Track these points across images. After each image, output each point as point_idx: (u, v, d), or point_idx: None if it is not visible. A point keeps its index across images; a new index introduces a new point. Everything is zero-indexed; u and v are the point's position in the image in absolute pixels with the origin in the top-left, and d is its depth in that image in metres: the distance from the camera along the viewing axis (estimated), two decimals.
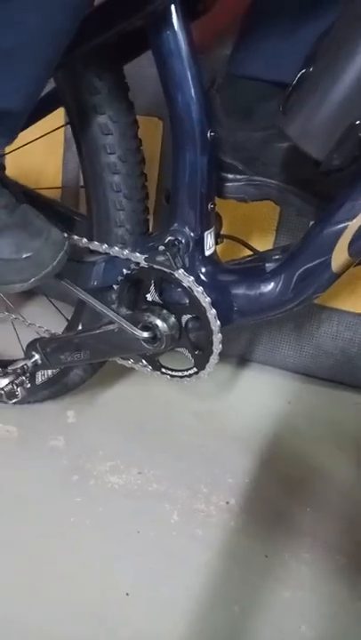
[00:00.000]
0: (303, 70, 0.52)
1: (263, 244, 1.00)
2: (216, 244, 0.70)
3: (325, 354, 1.09)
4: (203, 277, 0.65)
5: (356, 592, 0.79)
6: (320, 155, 0.54)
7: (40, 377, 0.87)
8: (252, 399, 1.11)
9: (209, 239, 0.66)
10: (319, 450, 1.01)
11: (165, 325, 0.65)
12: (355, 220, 0.55)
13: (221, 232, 0.71)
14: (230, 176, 0.68)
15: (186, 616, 0.73)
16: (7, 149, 0.64)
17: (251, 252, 0.71)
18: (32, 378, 0.82)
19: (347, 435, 1.05)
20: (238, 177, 0.67)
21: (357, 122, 0.51)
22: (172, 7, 0.57)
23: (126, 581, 0.76)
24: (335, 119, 0.52)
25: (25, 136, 0.85)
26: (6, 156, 0.94)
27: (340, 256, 0.58)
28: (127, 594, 0.75)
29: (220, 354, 0.96)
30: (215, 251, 0.68)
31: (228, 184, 0.68)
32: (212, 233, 0.66)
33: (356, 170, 0.55)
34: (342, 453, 1.01)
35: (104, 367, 0.94)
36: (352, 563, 0.82)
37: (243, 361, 1.19)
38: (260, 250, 0.70)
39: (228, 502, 0.90)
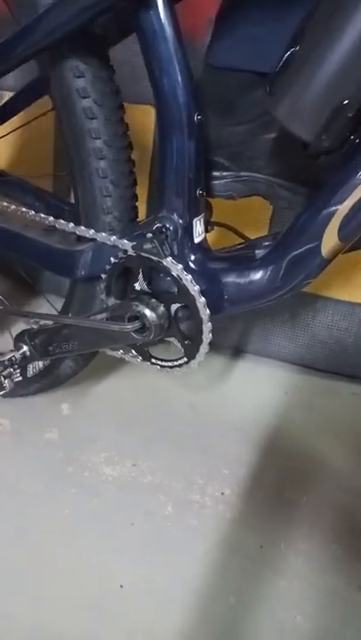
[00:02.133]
0: (290, 50, 0.51)
1: (257, 234, 0.99)
2: (206, 231, 0.68)
3: (321, 344, 1.08)
4: (192, 265, 0.64)
5: (352, 582, 0.78)
6: (309, 136, 0.52)
7: (31, 369, 0.86)
8: (248, 390, 1.10)
9: (198, 226, 0.64)
10: (316, 440, 1.00)
11: (154, 315, 0.63)
12: (344, 204, 0.54)
13: (212, 219, 0.70)
14: (216, 173, 0.66)
15: (182, 607, 0.73)
16: None
17: (242, 240, 0.69)
18: (23, 370, 0.81)
19: (344, 425, 1.04)
20: (224, 174, 0.66)
21: (345, 101, 0.49)
22: None
23: (122, 573, 0.76)
24: (323, 99, 0.50)
25: (13, 125, 0.84)
26: None
27: (329, 241, 0.56)
28: (121, 586, 0.75)
29: (215, 344, 0.95)
30: (205, 238, 0.67)
31: (215, 182, 0.67)
32: (202, 220, 0.65)
33: (345, 153, 0.54)
34: (339, 443, 1.00)
35: (98, 359, 0.93)
36: (348, 553, 0.82)
37: (238, 352, 1.18)
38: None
39: (223, 493, 0.89)
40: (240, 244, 0.69)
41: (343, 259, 0.64)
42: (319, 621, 0.73)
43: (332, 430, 1.02)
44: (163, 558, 0.79)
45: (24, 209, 0.68)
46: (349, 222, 0.55)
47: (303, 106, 0.51)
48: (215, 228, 0.71)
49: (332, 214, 0.55)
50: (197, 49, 0.98)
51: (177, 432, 0.99)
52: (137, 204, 0.70)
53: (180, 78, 0.58)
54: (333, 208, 0.55)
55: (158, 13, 0.56)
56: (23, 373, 0.82)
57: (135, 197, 0.69)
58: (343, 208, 0.54)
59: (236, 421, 1.02)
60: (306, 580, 0.78)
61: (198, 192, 0.63)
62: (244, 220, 1.01)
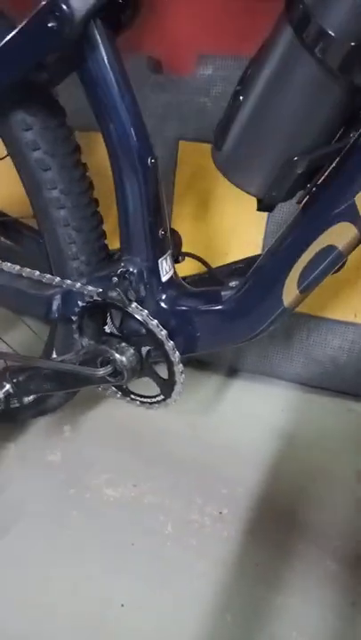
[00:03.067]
0: (234, 97, 0.49)
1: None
2: (176, 262, 0.68)
3: (315, 362, 1.08)
4: (161, 304, 0.64)
5: (347, 597, 0.78)
6: (259, 193, 0.51)
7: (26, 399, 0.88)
8: (245, 409, 1.10)
9: (165, 265, 0.64)
10: (312, 457, 1.00)
11: (124, 358, 0.64)
12: (302, 258, 0.52)
13: (182, 250, 0.70)
14: None
15: (181, 625, 0.75)
16: None
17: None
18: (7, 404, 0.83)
19: (341, 441, 1.03)
20: None
21: (295, 158, 0.47)
22: (93, 28, 0.53)
23: (123, 593, 0.78)
24: (271, 156, 0.48)
25: None
26: None
27: (290, 293, 0.55)
28: (122, 605, 0.77)
29: (211, 364, 0.95)
30: (174, 272, 0.67)
31: None
32: (168, 257, 0.65)
33: (303, 204, 0.52)
34: (336, 460, 0.99)
35: None
36: (343, 569, 0.82)
37: (234, 371, 1.18)
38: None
39: (221, 512, 0.90)
40: (205, 272, 0.69)
41: (334, 279, 0.62)
42: (315, 636, 0.74)
43: (328, 447, 1.02)
44: (162, 577, 0.80)
45: None
46: (309, 275, 0.54)
47: (248, 163, 0.49)
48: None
49: (290, 266, 0.54)
50: (184, 83, 0.98)
51: (176, 453, 1.00)
52: (105, 241, 0.69)
53: (128, 123, 0.56)
54: (292, 260, 0.53)
55: (99, 54, 0.54)
56: (20, 401, 0.85)
57: (102, 235, 0.69)
58: (301, 261, 0.53)
59: (234, 441, 1.02)
60: (301, 596, 0.79)
61: (161, 232, 0.62)
62: (237, 242, 1.01)
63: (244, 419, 1.07)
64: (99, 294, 0.62)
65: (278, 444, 1.02)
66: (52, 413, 0.98)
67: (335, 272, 0.59)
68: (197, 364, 1.14)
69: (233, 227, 1.00)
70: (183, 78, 0.99)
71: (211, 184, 1.02)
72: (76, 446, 1.01)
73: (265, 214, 0.98)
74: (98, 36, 0.53)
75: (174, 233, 0.67)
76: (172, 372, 0.64)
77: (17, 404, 0.85)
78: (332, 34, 0.40)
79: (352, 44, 0.39)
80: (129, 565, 0.82)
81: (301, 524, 0.88)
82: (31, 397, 0.88)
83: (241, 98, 0.48)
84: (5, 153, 0.66)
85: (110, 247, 0.71)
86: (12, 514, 0.88)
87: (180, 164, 1.04)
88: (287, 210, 0.95)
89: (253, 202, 0.71)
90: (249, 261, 0.61)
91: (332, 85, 0.43)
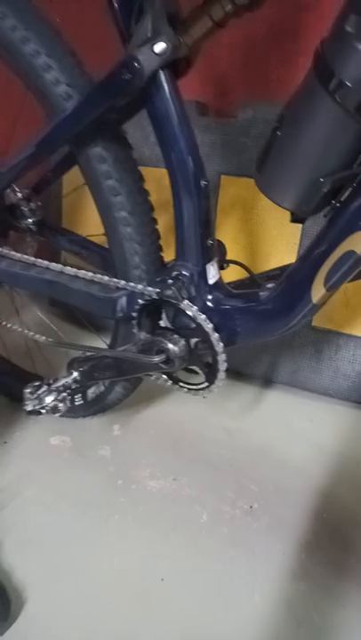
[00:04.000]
0: (272, 133, 0.62)
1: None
2: (222, 269, 0.80)
3: (343, 376, 1.16)
4: (208, 304, 0.75)
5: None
6: (290, 206, 0.63)
7: (90, 394, 1.00)
8: (277, 417, 1.19)
9: (211, 270, 0.76)
10: (340, 462, 1.07)
11: (176, 348, 0.75)
12: (328, 260, 0.63)
13: (226, 259, 0.82)
14: None
15: (210, 599, 0.84)
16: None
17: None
18: (84, 395, 0.95)
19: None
20: None
21: (321, 179, 0.59)
22: (160, 77, 0.66)
23: (162, 570, 0.87)
24: (301, 178, 0.60)
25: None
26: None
27: (318, 291, 0.65)
28: (162, 579, 0.86)
29: (248, 375, 1.05)
30: (220, 277, 0.78)
31: None
32: (215, 263, 0.76)
33: (329, 216, 0.63)
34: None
35: (145, 388, 1.06)
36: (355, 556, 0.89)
37: (268, 382, 1.27)
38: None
39: (251, 506, 0.98)
40: (248, 278, 0.80)
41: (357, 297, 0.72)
42: (334, 619, 0.81)
43: (354, 454, 1.09)
44: (197, 559, 0.89)
45: (69, 267, 0.82)
46: (333, 276, 0.64)
47: (283, 183, 0.61)
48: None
49: (318, 268, 0.64)
50: (228, 125, 1.13)
51: (212, 453, 1.09)
52: (161, 253, 0.82)
53: (186, 151, 0.69)
54: (319, 264, 0.64)
55: (165, 98, 0.67)
56: (84, 397, 0.97)
57: (159, 249, 0.82)
58: (327, 264, 0.63)
59: (265, 445, 1.11)
60: (322, 585, 0.86)
61: (209, 242, 0.74)
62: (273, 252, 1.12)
63: (276, 426, 1.16)
64: (157, 294, 0.74)
65: (307, 450, 1.10)
66: (104, 413, 1.09)
67: (358, 278, 0.70)
68: (234, 375, 1.24)
69: (269, 249, 1.12)
70: (227, 120, 1.13)
71: (247, 213, 1.16)
72: (123, 444, 1.12)
73: (299, 232, 1.09)
74: (163, 83, 0.67)
75: (220, 244, 0.79)
76: (215, 361, 0.75)
77: (81, 401, 0.97)
78: (350, 84, 0.52)
79: None
80: (168, 547, 0.91)
81: (326, 520, 0.96)
82: (93, 395, 1.00)
83: (278, 133, 0.61)
84: (83, 182, 0.80)
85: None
86: (69, 500, 0.99)
87: (222, 195, 1.17)
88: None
89: (285, 226, 0.82)
90: (284, 268, 0.72)
91: (350, 122, 0.55)
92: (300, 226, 1.08)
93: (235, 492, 1.01)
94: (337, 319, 1.14)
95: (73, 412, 1.09)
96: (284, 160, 0.61)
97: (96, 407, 1.03)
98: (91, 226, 1.21)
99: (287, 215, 0.67)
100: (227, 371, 0.78)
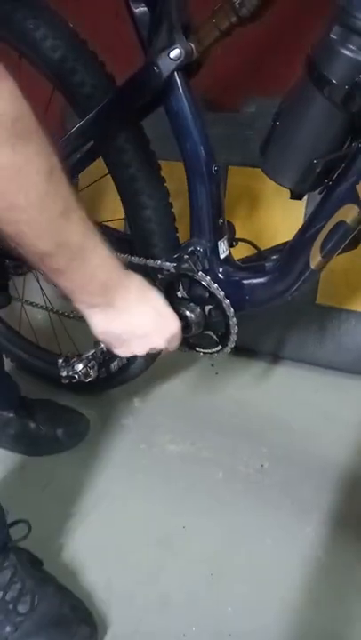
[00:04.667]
0: (273, 123, 0.73)
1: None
2: (231, 246, 0.90)
3: (346, 350, 1.26)
4: (219, 276, 0.85)
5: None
6: (290, 185, 0.73)
7: (112, 366, 1.10)
8: (284, 389, 1.29)
9: (222, 245, 0.86)
10: (343, 428, 1.17)
11: (193, 315, 0.85)
12: (323, 230, 0.73)
13: (236, 237, 0.92)
14: None
15: (226, 542, 0.94)
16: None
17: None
18: (107, 365, 1.05)
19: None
20: None
21: (315, 161, 0.69)
22: (175, 78, 0.76)
23: (184, 519, 0.98)
24: (297, 160, 0.71)
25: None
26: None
27: (315, 257, 0.75)
28: (184, 527, 0.97)
29: (256, 351, 1.15)
30: (230, 253, 0.88)
31: None
32: (225, 240, 0.86)
33: (323, 193, 0.73)
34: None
35: (161, 364, 1.16)
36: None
37: (275, 358, 1.37)
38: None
39: (262, 465, 1.09)
40: (256, 254, 0.90)
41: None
42: (337, 559, 0.91)
43: (356, 420, 1.19)
44: (215, 510, 1.00)
45: None
46: (328, 243, 0.74)
47: (283, 165, 0.72)
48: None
49: (314, 237, 0.74)
50: (233, 119, 1.23)
51: (225, 421, 1.20)
52: (177, 234, 0.93)
53: (198, 142, 0.79)
54: (316, 234, 0.74)
55: (180, 95, 0.77)
56: (107, 369, 1.08)
57: (175, 229, 0.92)
58: (322, 233, 0.73)
59: (273, 414, 1.21)
60: (328, 528, 0.96)
61: (220, 221, 0.84)
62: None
63: (283, 397, 1.25)
64: (174, 267, 0.85)
65: (312, 417, 1.20)
66: (126, 384, 1.19)
67: (352, 248, 0.80)
68: (243, 352, 1.34)
69: (274, 231, 1.22)
70: (231, 114, 1.23)
71: (253, 199, 1.26)
72: (144, 414, 1.22)
73: (302, 216, 1.19)
74: (178, 84, 0.78)
75: (230, 224, 0.89)
76: (228, 325, 0.85)
77: (105, 374, 1.07)
78: (335, 82, 0.63)
79: (346, 87, 0.62)
80: (189, 501, 1.01)
81: (330, 476, 1.06)
82: (116, 367, 1.10)
83: (277, 123, 0.72)
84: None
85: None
86: (99, 462, 1.10)
87: (229, 186, 1.28)
88: None
89: (289, 210, 0.92)
90: (286, 242, 0.83)
91: (337, 113, 0.66)
92: (302, 210, 1.18)
93: (246, 454, 1.11)
94: (339, 296, 1.24)
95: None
96: (283, 146, 0.72)
97: (120, 378, 1.14)
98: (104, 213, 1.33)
99: (291, 200, 0.77)
100: (236, 348, 0.88)
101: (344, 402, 1.24)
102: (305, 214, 1.19)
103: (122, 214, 1.07)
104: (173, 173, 0.89)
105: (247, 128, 1.22)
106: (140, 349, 0.72)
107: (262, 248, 0.92)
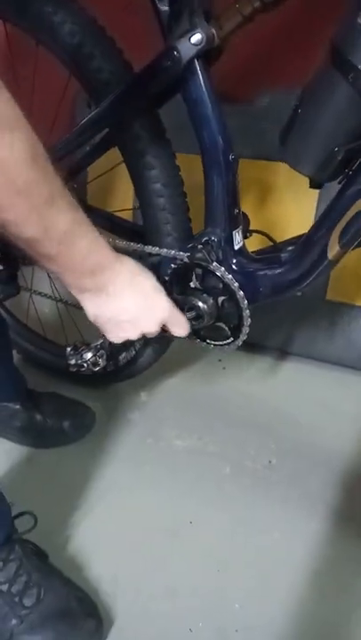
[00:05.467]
0: (294, 110, 0.72)
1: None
2: (245, 238, 0.89)
3: (355, 346, 1.25)
4: (233, 267, 0.84)
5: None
6: (310, 173, 0.72)
7: (121, 359, 1.10)
8: (292, 384, 1.28)
9: (237, 236, 0.85)
10: (350, 423, 1.17)
11: (205, 306, 0.84)
12: (341, 221, 0.72)
13: (250, 229, 0.91)
14: None
15: (232, 536, 0.94)
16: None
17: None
18: (115, 357, 1.04)
19: None
20: None
21: (336, 149, 0.69)
22: (195, 65, 0.75)
23: (191, 514, 0.97)
24: (318, 148, 0.70)
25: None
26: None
27: (333, 248, 0.74)
28: (191, 522, 0.96)
29: (264, 347, 1.14)
30: (244, 244, 0.87)
31: None
32: (240, 231, 0.85)
33: (342, 182, 0.73)
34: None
35: (169, 358, 1.14)
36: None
37: (284, 353, 1.37)
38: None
39: (270, 461, 1.08)
40: (271, 246, 0.89)
41: None
42: (343, 552, 0.91)
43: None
44: (221, 504, 0.99)
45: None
46: (347, 233, 0.73)
47: (304, 153, 0.71)
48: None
49: (333, 228, 0.73)
50: (247, 111, 1.23)
51: (233, 415, 1.19)
52: (190, 223, 0.92)
53: (216, 130, 0.79)
54: (334, 223, 0.73)
55: (199, 84, 0.76)
56: (115, 361, 1.07)
57: (188, 220, 0.91)
58: (341, 223, 0.72)
59: (281, 408, 1.20)
60: (333, 522, 0.96)
61: (235, 211, 0.83)
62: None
63: (291, 392, 1.25)
64: (188, 257, 0.84)
65: (320, 413, 1.19)
66: (134, 379, 1.18)
67: None
68: (251, 346, 1.33)
69: (287, 223, 1.21)
70: (244, 107, 1.22)
71: (265, 192, 1.25)
72: (150, 408, 1.21)
73: (314, 206, 1.18)
74: (198, 70, 0.77)
75: (245, 215, 0.88)
76: (240, 317, 0.84)
77: (112, 367, 1.06)
78: (360, 67, 0.62)
79: None
80: (196, 495, 1.01)
81: (331, 467, 1.06)
82: (125, 360, 1.09)
83: (299, 110, 0.71)
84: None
85: None
86: (106, 456, 1.09)
87: (241, 179, 1.26)
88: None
89: (301, 201, 0.90)
90: (302, 235, 0.82)
91: None
92: (314, 204, 1.17)
93: (255, 449, 1.10)
94: (350, 292, 1.23)
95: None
96: (305, 133, 0.71)
97: (127, 371, 1.12)
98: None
99: (303, 191, 0.76)
100: (244, 342, 0.87)
101: (351, 398, 1.23)
102: (317, 208, 1.19)
103: (130, 205, 1.06)
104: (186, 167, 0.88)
105: (261, 121, 1.21)
106: (132, 334, 0.73)
107: (276, 240, 0.91)
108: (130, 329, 0.73)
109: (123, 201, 1.35)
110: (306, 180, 0.76)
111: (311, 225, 0.79)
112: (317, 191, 1.01)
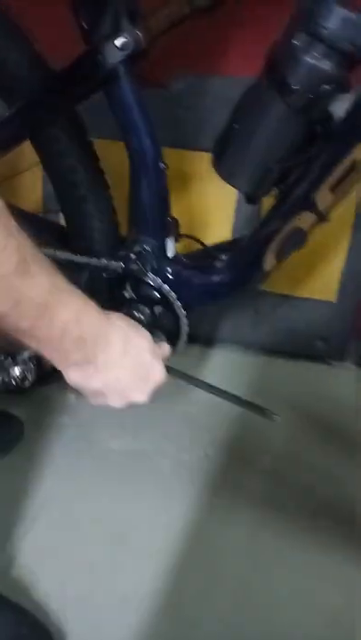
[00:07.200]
0: (228, 127, 0.70)
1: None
2: (176, 241, 0.88)
3: (278, 331, 1.31)
4: (169, 276, 0.83)
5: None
6: (245, 189, 0.72)
7: (48, 364, 1.05)
8: (220, 372, 1.31)
9: (170, 243, 0.83)
10: (270, 403, 1.19)
11: (141, 317, 0.83)
12: (278, 235, 0.74)
13: (180, 233, 0.90)
14: None
15: (178, 528, 0.96)
16: None
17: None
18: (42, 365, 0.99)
19: (291, 390, 1.28)
20: None
21: (271, 167, 0.69)
22: (121, 68, 0.71)
23: (132, 512, 0.97)
24: (254, 165, 0.70)
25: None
26: None
27: (270, 261, 0.76)
28: (136, 525, 0.96)
29: (192, 336, 1.15)
30: (175, 249, 0.86)
31: None
32: (173, 238, 0.84)
33: (276, 199, 0.73)
34: (284, 402, 1.20)
35: None
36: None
37: (210, 341, 1.39)
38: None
39: (206, 453, 1.11)
40: (201, 250, 0.89)
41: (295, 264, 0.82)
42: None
43: (283, 395, 1.24)
44: (163, 497, 1.01)
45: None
46: (284, 247, 0.75)
47: (241, 170, 0.71)
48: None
49: (270, 242, 0.75)
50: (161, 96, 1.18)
51: (166, 411, 1.19)
52: (118, 229, 0.88)
53: (146, 135, 0.76)
54: (271, 238, 0.74)
55: (123, 86, 0.73)
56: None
57: (116, 224, 0.88)
58: (278, 238, 0.74)
59: (212, 398, 1.22)
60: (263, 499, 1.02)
61: (167, 219, 0.82)
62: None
63: (219, 379, 1.27)
64: (122, 268, 0.81)
65: (249, 397, 1.23)
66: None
67: (300, 248, 0.82)
68: None
69: (206, 218, 1.21)
70: (160, 91, 1.18)
71: (184, 183, 1.23)
72: (80, 410, 1.18)
73: (234, 202, 1.19)
74: (123, 75, 0.73)
75: (175, 220, 0.86)
76: (178, 326, 0.84)
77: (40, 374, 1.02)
78: (296, 88, 0.62)
79: (309, 95, 0.61)
80: (137, 492, 1.01)
81: (265, 458, 1.11)
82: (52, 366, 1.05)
83: (235, 126, 0.70)
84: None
85: None
86: (39, 467, 1.05)
87: None
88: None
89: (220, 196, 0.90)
90: (235, 241, 0.82)
91: (297, 120, 0.65)
92: (235, 194, 1.17)
93: (190, 441, 1.12)
94: (274, 282, 1.27)
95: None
96: (240, 150, 0.70)
97: (56, 374, 1.08)
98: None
99: (222, 185, 0.75)
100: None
101: (275, 380, 1.30)
102: (237, 199, 1.19)
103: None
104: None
105: (176, 106, 1.17)
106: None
107: (198, 236, 0.90)
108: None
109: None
110: None
111: (232, 220, 0.79)
112: None
